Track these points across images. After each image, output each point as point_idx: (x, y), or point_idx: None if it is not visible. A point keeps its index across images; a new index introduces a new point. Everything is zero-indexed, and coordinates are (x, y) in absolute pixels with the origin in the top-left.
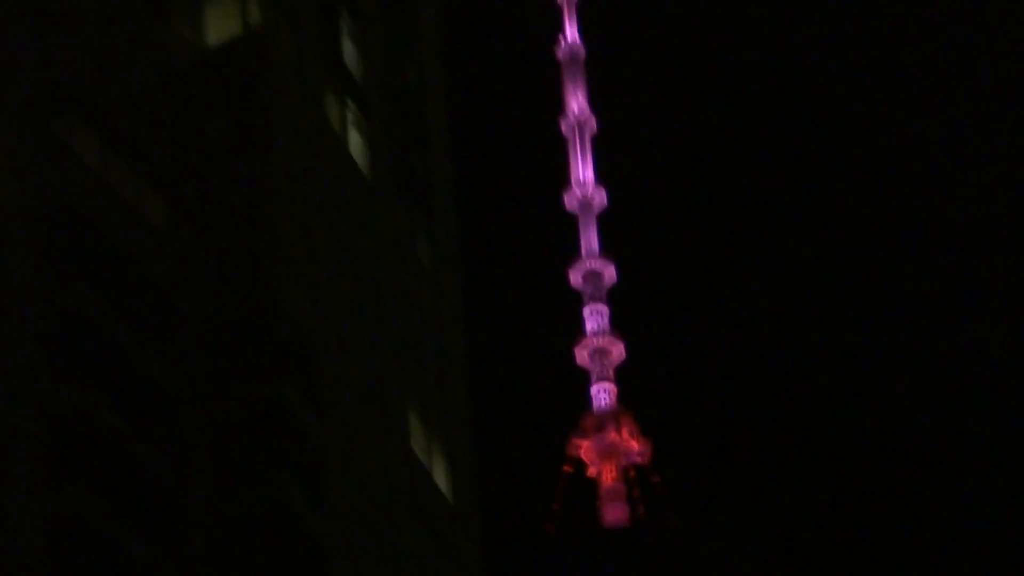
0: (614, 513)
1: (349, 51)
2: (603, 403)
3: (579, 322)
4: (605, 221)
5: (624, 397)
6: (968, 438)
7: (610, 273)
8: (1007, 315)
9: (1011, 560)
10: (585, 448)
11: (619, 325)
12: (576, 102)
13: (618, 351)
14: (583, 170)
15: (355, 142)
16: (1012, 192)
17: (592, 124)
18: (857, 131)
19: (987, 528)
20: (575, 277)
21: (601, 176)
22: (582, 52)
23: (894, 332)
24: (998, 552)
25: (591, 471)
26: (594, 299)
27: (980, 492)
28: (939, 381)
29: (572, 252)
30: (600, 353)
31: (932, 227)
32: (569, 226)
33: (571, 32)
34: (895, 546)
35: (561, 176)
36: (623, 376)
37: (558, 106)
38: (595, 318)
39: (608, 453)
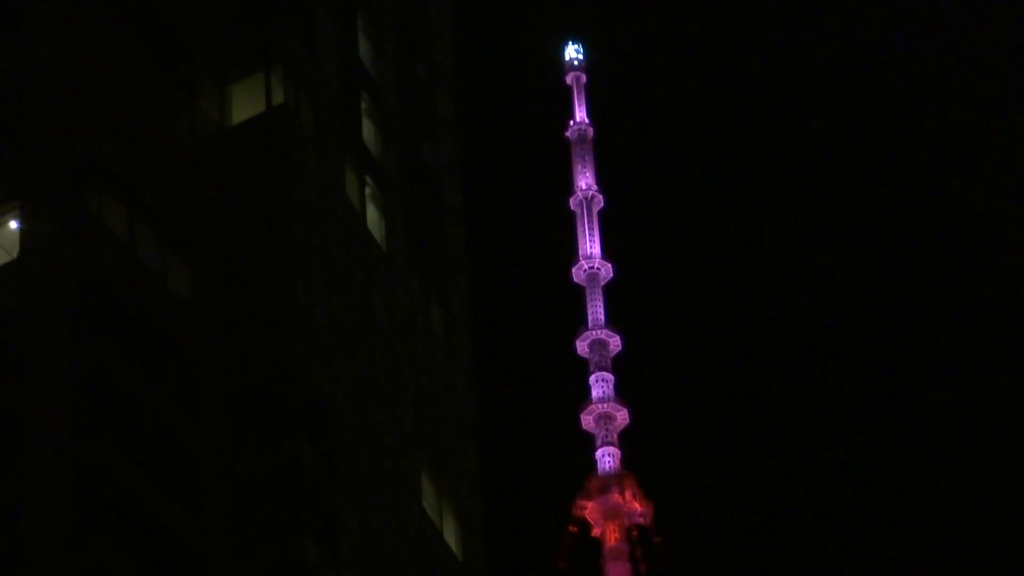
0: (617, 572)
1: (368, 129)
2: (607, 466)
3: (585, 389)
4: (611, 293)
5: (627, 461)
6: (981, 494)
7: (615, 343)
8: (1008, 317)
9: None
10: (590, 509)
11: (623, 392)
12: (584, 179)
13: (622, 417)
14: (590, 244)
15: (372, 216)
16: (1012, 192)
17: (599, 200)
18: (857, 175)
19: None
20: (582, 346)
21: (608, 250)
22: (590, 132)
23: (895, 396)
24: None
25: (595, 531)
26: (600, 367)
27: (991, 537)
28: (951, 430)
29: (579, 322)
30: (605, 418)
31: (932, 233)
32: (576, 298)
33: (580, 113)
34: None
35: (569, 250)
36: (627, 441)
37: (567, 183)
38: (600, 385)
39: (612, 514)
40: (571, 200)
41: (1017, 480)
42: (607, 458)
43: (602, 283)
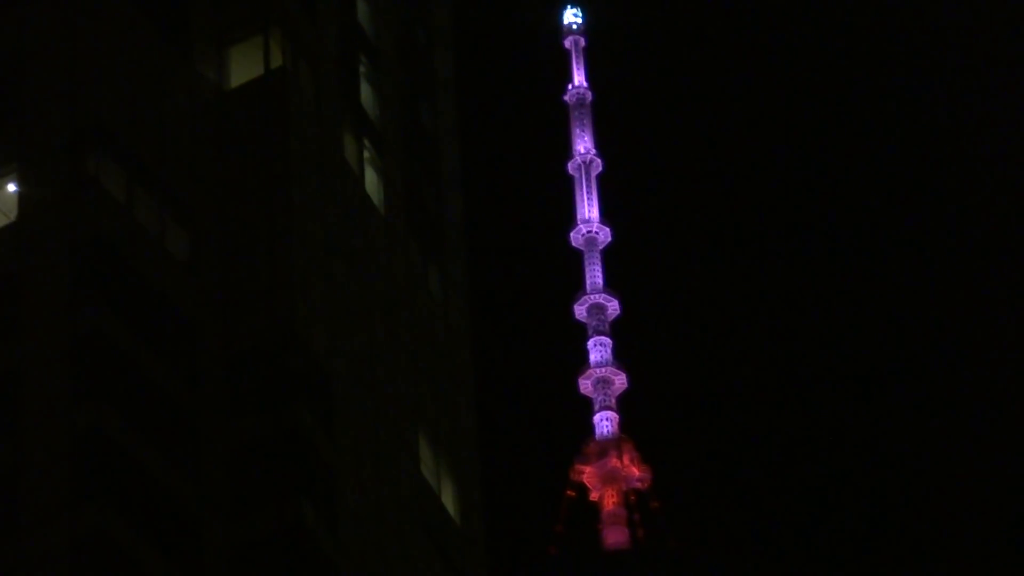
0: (615, 536)
1: (366, 93)
2: (605, 431)
3: (583, 353)
4: (609, 257)
5: (625, 425)
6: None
7: (613, 307)
8: (1008, 316)
9: None
10: (588, 474)
11: (621, 356)
12: (582, 143)
13: (620, 381)
14: (588, 208)
15: (371, 180)
16: (1012, 193)
17: (597, 164)
18: (860, 172)
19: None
20: (580, 311)
21: (605, 214)
22: (588, 96)
23: (898, 363)
24: None
25: (593, 496)
26: (598, 332)
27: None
28: (945, 418)
29: (577, 286)
30: (603, 383)
31: (934, 222)
32: (575, 262)
33: (578, 77)
34: (897, 571)
35: (568, 214)
36: (625, 405)
37: (565, 147)
38: (599, 350)
39: (610, 479)
40: (569, 164)
41: (1017, 480)
42: (605, 422)
43: (600, 247)
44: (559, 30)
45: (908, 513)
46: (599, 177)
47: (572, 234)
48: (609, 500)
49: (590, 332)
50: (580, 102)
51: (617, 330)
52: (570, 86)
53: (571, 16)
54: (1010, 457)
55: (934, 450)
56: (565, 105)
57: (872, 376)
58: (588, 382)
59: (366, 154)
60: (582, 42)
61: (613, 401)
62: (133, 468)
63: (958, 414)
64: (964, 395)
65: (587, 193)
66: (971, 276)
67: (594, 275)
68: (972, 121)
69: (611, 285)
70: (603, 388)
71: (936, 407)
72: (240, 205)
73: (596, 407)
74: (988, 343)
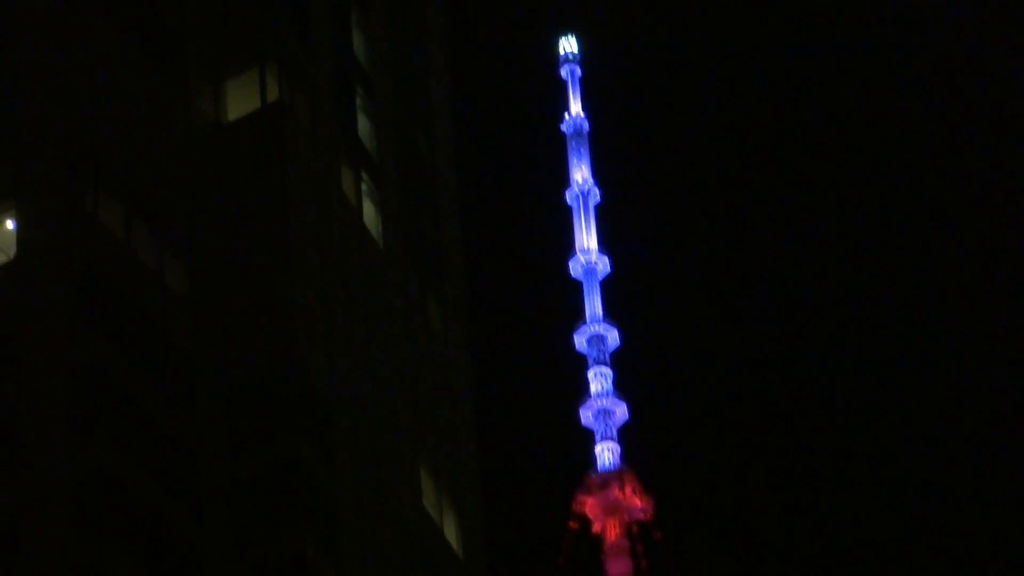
0: (617, 567)
1: (363, 124)
2: (607, 462)
3: (584, 384)
4: (608, 287)
5: (627, 456)
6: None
7: (613, 337)
8: (1008, 316)
9: None
10: (590, 505)
11: (622, 387)
12: (580, 173)
13: (621, 412)
14: (587, 238)
15: (369, 211)
16: (1012, 193)
17: (595, 194)
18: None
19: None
20: (580, 341)
21: (605, 244)
22: (585, 125)
23: (894, 392)
24: None
25: (595, 527)
26: (598, 362)
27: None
28: (948, 433)
29: (577, 317)
30: (604, 414)
31: (932, 229)
32: (574, 292)
33: (575, 106)
34: None
35: (566, 244)
36: (626, 436)
37: (563, 177)
38: (599, 380)
39: (612, 510)
40: (567, 194)
41: (1017, 480)
42: (607, 454)
43: (599, 277)
44: (555, 59)
45: (918, 545)
46: (597, 207)
47: (571, 264)
48: (611, 531)
49: (590, 363)
50: (577, 131)
51: (618, 360)
52: (567, 115)
53: (567, 45)
54: (1010, 456)
55: (941, 466)
56: (562, 134)
57: (880, 410)
58: (589, 413)
59: (363, 185)
60: (578, 71)
61: (614, 432)
62: (133, 501)
63: (976, 464)
64: (983, 436)
65: (585, 223)
66: (971, 277)
67: (593, 305)
68: (972, 120)
69: (611, 315)
70: (604, 419)
71: (944, 425)
72: (238, 238)
73: (597, 438)
74: (989, 343)
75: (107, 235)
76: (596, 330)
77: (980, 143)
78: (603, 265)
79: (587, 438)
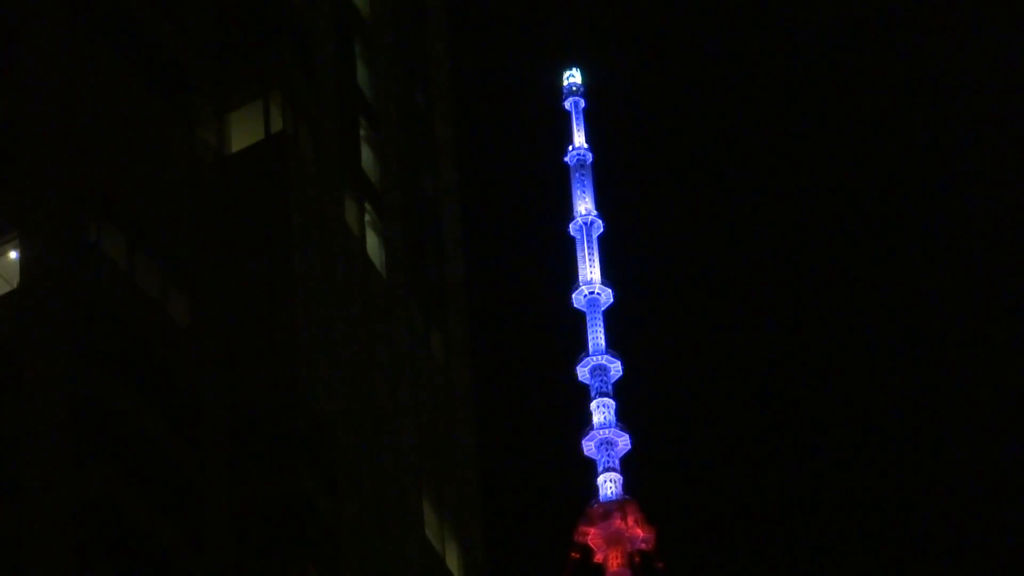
0: None
1: (367, 156)
2: (609, 492)
3: (587, 415)
4: (611, 318)
5: (629, 486)
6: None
7: (616, 368)
8: (1008, 316)
9: None
10: (592, 535)
11: (625, 418)
12: (583, 204)
13: (623, 442)
14: (590, 270)
15: (372, 243)
16: (1012, 193)
17: (599, 225)
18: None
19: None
20: (583, 372)
21: (608, 275)
22: (589, 157)
23: (899, 419)
24: None
25: (598, 557)
26: (601, 393)
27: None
28: (950, 454)
29: (580, 348)
30: (606, 444)
31: (930, 240)
32: (577, 323)
33: (578, 138)
34: None
35: (569, 275)
36: (628, 466)
37: (566, 209)
38: (602, 411)
39: (614, 540)
40: (571, 225)
41: (1017, 480)
42: (609, 483)
43: (602, 308)
44: (559, 91)
45: (919, 559)
46: (600, 238)
47: (574, 295)
48: (614, 561)
49: (593, 393)
50: (581, 163)
51: (620, 391)
52: (570, 147)
53: (571, 77)
54: (1010, 456)
55: (941, 471)
56: (566, 166)
57: (885, 441)
58: (591, 443)
59: (367, 217)
60: (582, 103)
61: (617, 462)
62: (137, 533)
63: (978, 473)
64: (985, 445)
65: (588, 254)
66: (970, 280)
67: (596, 336)
68: (971, 120)
69: (613, 346)
70: (606, 449)
71: (943, 428)
72: (241, 269)
73: (600, 468)
74: (989, 343)
75: (110, 265)
76: (599, 361)
77: (980, 143)
78: (606, 296)
79: (589, 468)
